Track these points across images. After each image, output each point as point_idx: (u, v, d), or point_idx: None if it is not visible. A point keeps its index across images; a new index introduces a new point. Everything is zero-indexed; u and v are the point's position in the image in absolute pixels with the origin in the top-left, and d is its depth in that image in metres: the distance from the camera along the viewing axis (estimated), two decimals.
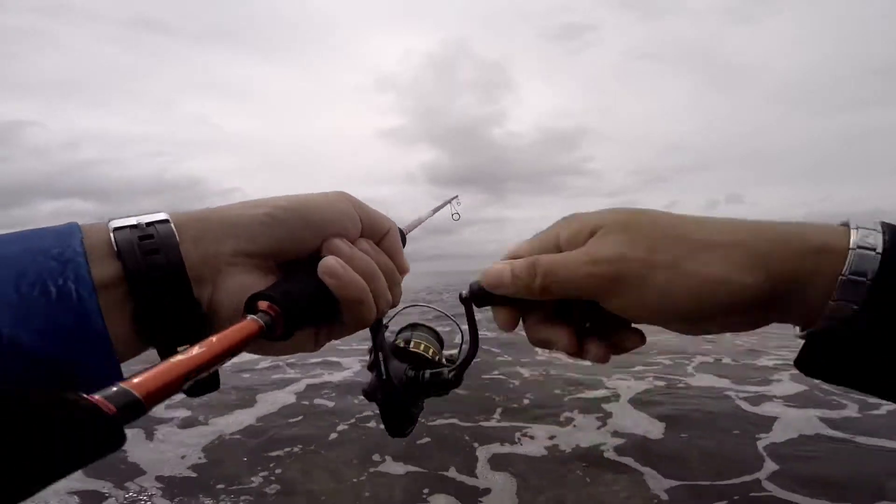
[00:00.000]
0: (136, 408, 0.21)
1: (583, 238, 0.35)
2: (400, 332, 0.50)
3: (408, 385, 0.44)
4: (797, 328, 0.34)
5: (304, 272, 0.35)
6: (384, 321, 0.46)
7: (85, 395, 0.20)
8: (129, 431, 0.21)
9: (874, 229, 0.31)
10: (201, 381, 0.31)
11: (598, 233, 0.34)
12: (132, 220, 0.32)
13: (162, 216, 0.32)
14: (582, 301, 0.36)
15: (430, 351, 0.49)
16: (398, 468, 2.91)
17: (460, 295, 0.40)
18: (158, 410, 3.17)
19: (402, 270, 0.41)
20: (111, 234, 0.30)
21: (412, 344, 0.48)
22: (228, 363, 0.29)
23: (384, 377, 0.43)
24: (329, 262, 0.35)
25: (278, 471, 2.91)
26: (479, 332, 0.42)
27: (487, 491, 2.65)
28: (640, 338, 0.37)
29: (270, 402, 4.31)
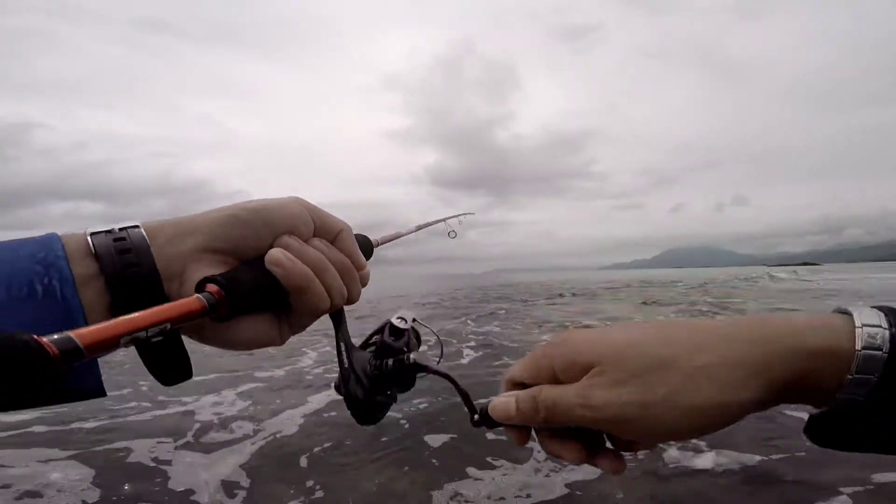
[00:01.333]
0: (76, 353, 0.25)
1: (576, 373, 0.36)
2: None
3: (372, 374, 0.45)
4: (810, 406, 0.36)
5: (256, 264, 0.39)
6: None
7: (35, 337, 0.23)
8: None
9: (878, 325, 0.31)
10: (173, 369, 0.37)
11: (591, 371, 0.35)
12: (107, 227, 0.36)
13: (134, 223, 0.36)
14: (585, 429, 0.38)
15: (390, 330, 0.49)
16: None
17: (472, 419, 0.43)
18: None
19: (359, 267, 0.44)
20: (88, 238, 0.34)
21: (374, 331, 0.50)
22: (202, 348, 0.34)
23: (346, 366, 0.44)
24: (275, 252, 0.38)
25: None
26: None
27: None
28: (651, 445, 0.39)
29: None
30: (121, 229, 0.35)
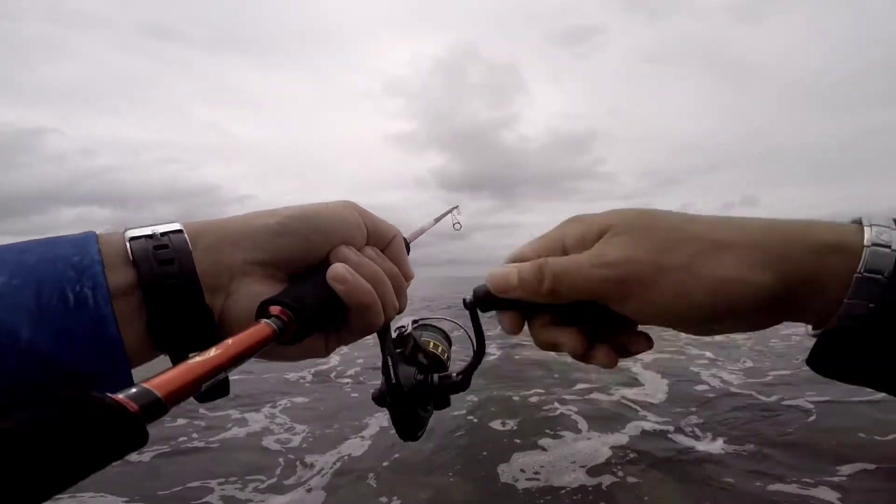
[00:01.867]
0: (157, 407, 0.22)
1: (590, 240, 0.34)
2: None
3: (416, 389, 0.44)
4: (809, 327, 0.33)
5: (314, 279, 0.36)
6: (392, 327, 0.46)
7: (110, 395, 0.21)
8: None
9: (888, 226, 0.30)
10: (213, 386, 0.33)
11: (606, 234, 0.34)
12: (147, 230, 0.33)
13: (176, 226, 0.34)
14: (589, 304, 0.35)
15: (440, 349, 0.49)
16: None
17: (464, 301, 0.40)
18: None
19: (408, 277, 0.42)
20: (127, 244, 0.32)
21: (421, 343, 0.48)
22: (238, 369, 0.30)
23: (393, 381, 0.43)
24: (338, 268, 0.36)
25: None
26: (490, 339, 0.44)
27: None
28: (647, 341, 0.37)
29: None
30: (162, 234, 0.33)
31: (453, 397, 0.46)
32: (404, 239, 0.46)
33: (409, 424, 0.44)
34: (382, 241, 0.41)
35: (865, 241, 0.30)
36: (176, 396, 0.23)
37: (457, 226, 0.62)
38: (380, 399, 0.45)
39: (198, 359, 0.26)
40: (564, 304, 0.36)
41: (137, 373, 0.30)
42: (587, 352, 0.37)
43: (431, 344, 0.49)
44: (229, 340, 0.28)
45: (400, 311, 0.42)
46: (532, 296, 0.35)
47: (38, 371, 0.27)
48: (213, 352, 0.27)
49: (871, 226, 0.30)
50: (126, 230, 0.33)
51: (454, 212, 0.65)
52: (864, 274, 0.29)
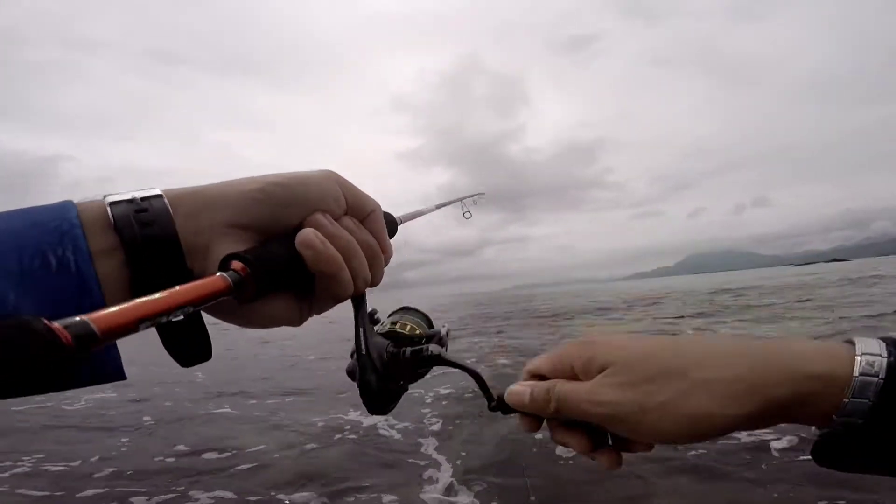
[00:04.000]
0: (90, 339, 0.22)
1: (593, 371, 0.39)
2: (390, 314, 0.51)
3: (388, 362, 0.45)
4: (813, 428, 0.37)
5: (284, 241, 0.37)
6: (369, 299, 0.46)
7: (45, 321, 0.21)
8: None
9: (878, 354, 0.33)
10: (193, 349, 0.36)
11: (605, 371, 0.39)
12: (127, 196, 0.33)
13: (156, 192, 0.34)
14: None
15: (417, 332, 0.49)
16: None
17: (489, 405, 0.46)
18: None
19: (385, 251, 0.43)
20: (108, 208, 0.32)
21: (398, 325, 0.49)
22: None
23: (363, 352, 0.43)
24: (307, 233, 0.36)
25: None
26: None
27: None
28: (648, 446, 0.41)
29: None
30: (142, 199, 0.33)
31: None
32: (395, 218, 0.48)
33: (377, 396, 0.44)
34: (361, 213, 0.42)
35: (855, 371, 0.33)
36: (112, 332, 0.24)
37: (467, 214, 0.60)
38: (352, 373, 0.45)
39: (142, 299, 0.26)
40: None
41: (122, 344, 0.29)
42: (592, 454, 0.42)
43: (409, 327, 0.49)
44: (178, 287, 0.29)
45: (374, 285, 0.42)
46: (541, 413, 0.42)
47: None
48: (157, 294, 0.27)
49: (862, 355, 0.34)
50: (105, 196, 0.33)
51: (467, 200, 0.63)
52: (852, 400, 0.33)
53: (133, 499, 2.94)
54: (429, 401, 4.96)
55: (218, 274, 0.32)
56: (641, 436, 0.38)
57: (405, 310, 0.52)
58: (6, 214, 0.30)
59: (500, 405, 0.45)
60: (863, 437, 0.33)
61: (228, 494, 2.98)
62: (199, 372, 7.42)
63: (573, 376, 0.41)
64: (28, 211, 0.31)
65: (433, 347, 0.46)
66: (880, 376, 0.32)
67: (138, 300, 0.26)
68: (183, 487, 3.08)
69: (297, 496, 2.91)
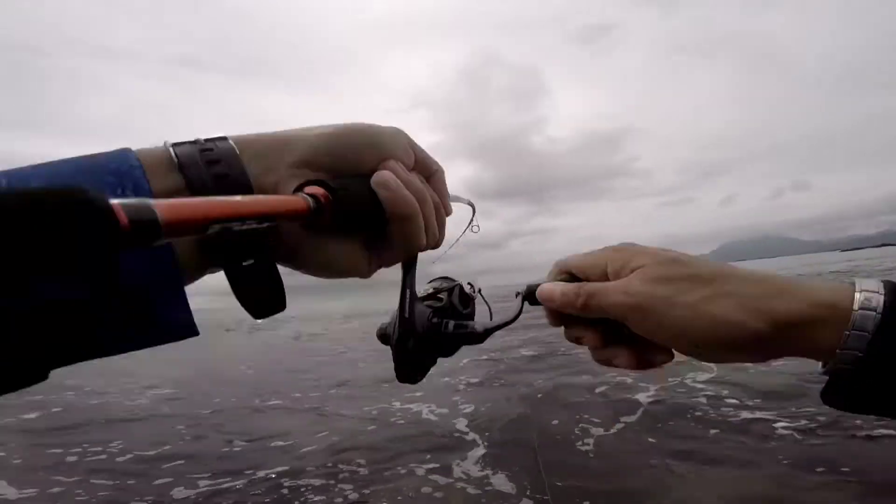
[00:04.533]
0: (151, 228, 0.19)
1: (626, 272, 0.40)
2: (430, 281, 0.50)
3: (428, 331, 0.43)
4: (819, 365, 0.39)
5: (359, 182, 0.35)
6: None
7: (106, 198, 0.18)
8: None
9: (877, 291, 0.35)
10: (265, 298, 0.33)
11: (638, 270, 0.40)
12: (190, 139, 0.32)
13: (221, 136, 0.33)
14: (614, 322, 0.42)
15: (459, 294, 0.48)
16: None
17: (517, 293, 0.46)
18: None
19: (448, 211, 0.43)
20: (171, 150, 0.31)
21: (440, 293, 0.48)
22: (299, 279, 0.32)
23: (406, 316, 0.42)
24: (384, 173, 0.35)
25: None
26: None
27: None
28: (669, 354, 0.42)
29: None
30: (207, 140, 0.32)
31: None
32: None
33: (410, 365, 0.43)
34: (427, 172, 0.42)
35: (854, 306, 0.35)
36: (178, 226, 0.20)
37: (475, 229, 0.62)
38: (384, 337, 0.45)
39: (216, 198, 0.24)
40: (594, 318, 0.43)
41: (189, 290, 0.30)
42: (605, 347, 0.43)
43: (448, 297, 0.48)
44: (256, 196, 0.27)
45: (436, 246, 0.42)
46: (568, 308, 0.42)
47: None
48: (237, 198, 0.25)
49: (861, 292, 0.35)
50: (165, 141, 0.32)
51: (472, 218, 0.63)
52: (853, 332, 0.35)
53: (200, 482, 3.25)
54: (461, 388, 5.21)
55: (299, 195, 0.31)
56: (664, 330, 0.39)
57: (446, 279, 0.50)
58: (59, 161, 0.28)
59: (527, 296, 0.46)
60: (863, 373, 0.35)
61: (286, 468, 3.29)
62: (248, 370, 7.85)
63: (604, 279, 0.42)
64: (86, 157, 0.29)
65: (477, 325, 0.45)
66: (878, 311, 0.34)
67: (211, 198, 0.24)
68: (246, 468, 3.40)
69: (345, 468, 3.20)
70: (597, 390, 4.67)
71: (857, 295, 0.35)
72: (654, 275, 0.39)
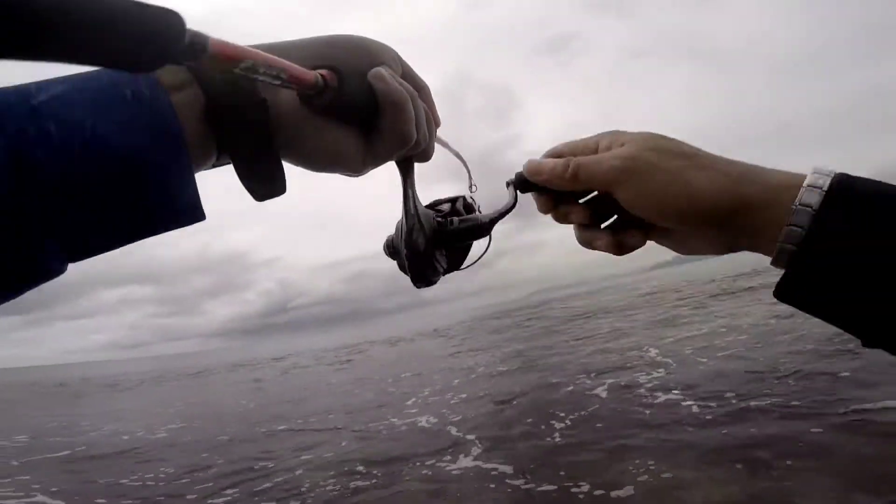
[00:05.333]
0: (201, 48, 0.24)
1: (618, 145, 0.43)
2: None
3: (436, 230, 0.45)
4: (770, 260, 0.40)
5: (357, 77, 0.37)
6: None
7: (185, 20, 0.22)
8: None
9: (828, 174, 0.37)
10: (268, 183, 0.37)
11: (627, 142, 0.43)
12: None
13: None
14: (603, 200, 0.45)
15: (463, 203, 0.51)
16: None
17: (507, 182, 0.47)
18: None
19: (437, 122, 0.45)
20: None
21: (443, 201, 0.51)
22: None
23: (412, 212, 0.44)
24: (379, 69, 0.38)
25: None
26: None
27: None
28: (643, 236, 0.46)
29: None
30: None
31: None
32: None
33: (423, 261, 0.44)
34: (414, 87, 0.42)
35: (804, 183, 0.37)
36: (219, 55, 0.25)
37: (473, 188, 0.58)
38: (390, 248, 0.47)
39: (250, 47, 0.28)
40: (583, 194, 0.46)
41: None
42: (589, 229, 0.47)
43: (452, 203, 0.51)
44: (279, 58, 0.30)
45: (426, 156, 0.44)
46: (557, 180, 0.44)
47: (103, 156, 0.28)
48: (265, 53, 0.29)
49: (813, 173, 0.37)
50: None
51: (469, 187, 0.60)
52: (798, 206, 0.36)
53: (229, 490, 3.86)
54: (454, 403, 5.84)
55: (312, 71, 0.34)
56: (645, 197, 0.41)
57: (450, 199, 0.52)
58: (74, 73, 0.30)
59: (518, 182, 0.46)
60: (808, 252, 0.36)
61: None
62: (251, 403, 8.33)
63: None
64: (94, 70, 0.31)
65: (481, 217, 0.47)
66: (823, 188, 0.36)
67: (247, 46, 0.28)
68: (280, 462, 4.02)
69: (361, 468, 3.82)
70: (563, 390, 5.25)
71: (808, 177, 0.37)
72: (644, 145, 0.42)
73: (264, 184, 0.37)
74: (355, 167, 0.40)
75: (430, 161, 0.45)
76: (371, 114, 0.38)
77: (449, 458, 3.80)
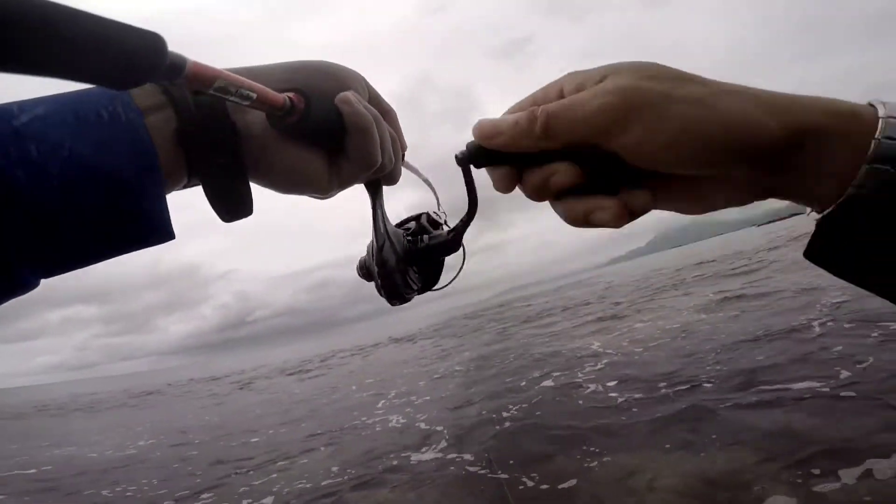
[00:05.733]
0: (179, 69, 0.24)
1: (593, 83, 0.32)
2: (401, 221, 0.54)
3: (406, 249, 0.46)
4: (810, 212, 0.32)
5: (324, 101, 0.38)
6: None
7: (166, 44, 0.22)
8: None
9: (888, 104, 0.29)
10: (235, 203, 0.38)
11: (611, 74, 0.32)
12: None
13: None
14: (586, 156, 0.33)
15: (427, 219, 0.51)
16: None
17: (456, 157, 0.37)
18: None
19: (403, 146, 0.46)
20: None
21: (412, 219, 0.51)
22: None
23: (382, 231, 0.44)
24: (347, 93, 0.39)
25: None
26: None
27: None
28: (650, 195, 0.34)
29: None
30: None
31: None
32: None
33: (395, 278, 0.44)
34: (381, 111, 0.43)
35: (881, 113, 0.29)
36: (196, 76, 0.26)
37: (441, 213, 0.54)
38: (364, 269, 0.47)
39: (224, 69, 0.29)
40: (559, 152, 0.34)
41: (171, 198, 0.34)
42: (583, 196, 0.34)
43: (422, 217, 0.51)
44: (252, 81, 0.31)
45: (392, 179, 0.45)
46: (524, 139, 0.33)
47: (80, 176, 0.29)
48: (237, 76, 0.29)
49: (884, 104, 0.29)
50: None
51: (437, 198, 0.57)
52: (883, 139, 0.28)
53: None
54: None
55: (282, 94, 0.35)
56: (661, 139, 0.30)
57: (417, 217, 0.53)
58: (56, 94, 0.32)
59: (470, 154, 0.36)
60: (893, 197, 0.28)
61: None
62: (214, 417, 8.31)
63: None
64: (76, 90, 0.33)
65: (448, 232, 0.47)
66: None
67: (221, 68, 0.29)
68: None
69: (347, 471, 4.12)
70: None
71: (879, 106, 0.29)
72: (640, 74, 0.31)
73: (233, 205, 0.38)
74: (322, 188, 0.41)
75: (395, 184, 0.46)
76: (338, 137, 0.39)
77: (417, 450, 4.13)
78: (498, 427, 4.19)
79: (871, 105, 0.30)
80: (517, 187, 0.37)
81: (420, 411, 5.57)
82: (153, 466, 5.47)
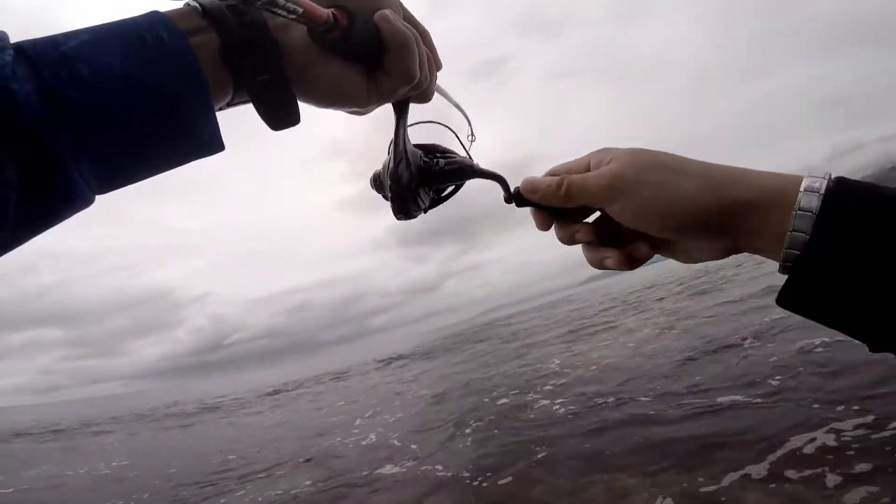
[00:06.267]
0: None
1: (605, 164, 0.44)
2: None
3: (421, 167, 0.48)
4: (777, 267, 0.39)
5: (365, 17, 0.40)
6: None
7: None
8: None
9: (823, 177, 0.36)
10: (283, 113, 0.39)
11: (614, 159, 0.43)
12: None
13: None
14: (607, 217, 0.45)
15: (449, 152, 0.52)
16: None
17: (504, 198, 0.48)
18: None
19: (438, 65, 0.47)
20: (194, 2, 0.36)
21: (430, 144, 0.52)
22: None
23: (400, 147, 0.46)
24: (385, 11, 0.40)
25: None
26: None
27: None
28: (648, 248, 0.45)
29: None
30: None
31: None
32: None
33: (406, 193, 0.46)
34: (417, 30, 0.44)
35: (801, 187, 0.36)
36: None
37: (470, 138, 0.57)
38: (376, 181, 0.49)
39: None
40: (578, 211, 0.47)
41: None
42: (597, 247, 0.46)
43: (442, 147, 0.53)
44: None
45: (426, 97, 0.46)
46: (553, 198, 0.45)
47: (131, 93, 0.31)
48: None
49: (808, 176, 0.37)
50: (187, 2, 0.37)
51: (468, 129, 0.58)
52: (798, 211, 0.35)
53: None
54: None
55: (326, 10, 0.36)
56: (634, 209, 0.41)
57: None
58: (105, 24, 0.33)
59: (515, 198, 0.48)
60: (813, 255, 0.35)
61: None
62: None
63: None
64: (122, 20, 0.33)
65: (465, 159, 0.49)
66: (821, 191, 0.35)
67: None
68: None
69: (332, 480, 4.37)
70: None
71: (804, 181, 0.36)
72: (626, 161, 0.42)
73: (280, 116, 0.40)
74: (361, 103, 0.42)
75: (429, 102, 0.47)
76: (377, 53, 0.41)
77: (392, 463, 4.44)
78: (462, 445, 4.50)
79: (809, 176, 0.37)
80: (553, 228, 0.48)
81: (393, 430, 5.85)
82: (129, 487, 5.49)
